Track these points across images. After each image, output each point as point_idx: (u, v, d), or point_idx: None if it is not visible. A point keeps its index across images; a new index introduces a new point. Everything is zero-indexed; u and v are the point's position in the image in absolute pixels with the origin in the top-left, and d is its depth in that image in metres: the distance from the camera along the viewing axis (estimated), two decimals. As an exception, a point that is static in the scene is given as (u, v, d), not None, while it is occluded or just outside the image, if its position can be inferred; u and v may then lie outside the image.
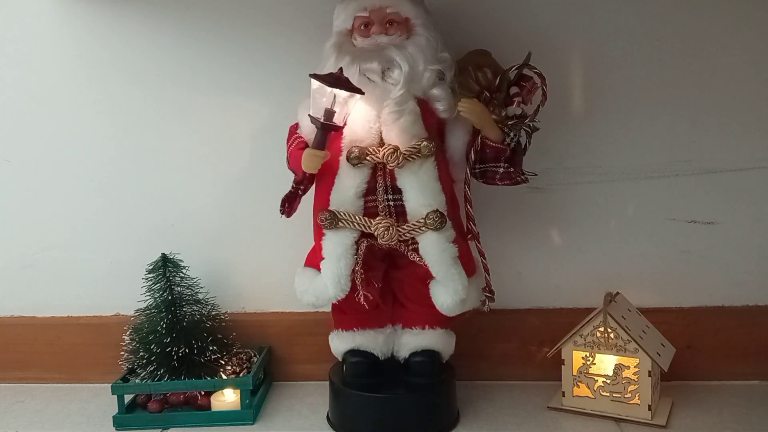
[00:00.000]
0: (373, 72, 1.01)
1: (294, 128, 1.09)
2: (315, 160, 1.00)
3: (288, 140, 1.09)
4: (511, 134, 1.05)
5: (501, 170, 1.06)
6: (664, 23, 1.18)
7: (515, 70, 1.06)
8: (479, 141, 1.05)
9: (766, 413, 1.11)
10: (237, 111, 1.25)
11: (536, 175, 1.11)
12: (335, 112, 0.99)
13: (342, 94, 0.98)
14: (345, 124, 1.01)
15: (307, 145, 1.04)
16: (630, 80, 1.19)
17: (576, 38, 1.20)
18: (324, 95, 0.99)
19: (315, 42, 1.08)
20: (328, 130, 1.00)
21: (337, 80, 0.98)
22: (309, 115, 1.01)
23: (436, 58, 1.03)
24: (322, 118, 0.99)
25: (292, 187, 1.06)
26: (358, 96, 0.99)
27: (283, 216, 1.08)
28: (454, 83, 1.05)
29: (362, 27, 1.04)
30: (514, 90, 1.06)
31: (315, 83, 0.99)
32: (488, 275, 1.11)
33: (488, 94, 1.06)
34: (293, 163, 1.06)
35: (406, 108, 1.00)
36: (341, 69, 0.99)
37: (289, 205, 1.07)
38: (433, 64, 1.02)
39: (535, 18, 1.19)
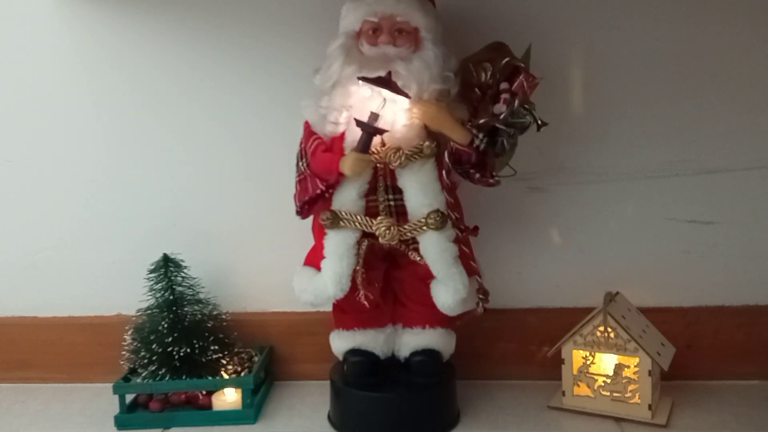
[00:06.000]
0: None
1: (309, 126, 1.06)
2: (362, 164, 0.99)
3: (307, 141, 1.06)
4: (480, 135, 1.00)
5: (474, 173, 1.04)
6: (664, 23, 1.18)
7: (504, 63, 1.00)
8: (450, 144, 1.02)
9: (766, 413, 1.12)
10: (238, 111, 1.25)
11: (515, 173, 1.07)
12: (381, 116, 0.98)
13: (389, 95, 0.98)
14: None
15: (327, 147, 1.04)
16: (630, 80, 1.19)
17: (576, 38, 1.20)
18: (371, 99, 0.99)
19: (317, 41, 1.08)
20: (377, 134, 0.99)
21: (388, 83, 0.97)
22: (355, 119, 0.99)
23: (441, 77, 1.01)
24: (376, 123, 0.98)
25: (320, 189, 1.03)
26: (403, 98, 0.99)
27: (299, 216, 1.08)
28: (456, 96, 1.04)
29: (370, 32, 1.02)
30: (504, 86, 1.00)
31: (363, 86, 0.99)
32: (479, 278, 1.08)
33: (479, 92, 1.02)
34: (322, 166, 1.03)
35: (413, 122, 1.01)
36: (390, 73, 0.98)
37: (309, 207, 1.06)
38: (437, 83, 1.00)
39: (535, 17, 1.19)
